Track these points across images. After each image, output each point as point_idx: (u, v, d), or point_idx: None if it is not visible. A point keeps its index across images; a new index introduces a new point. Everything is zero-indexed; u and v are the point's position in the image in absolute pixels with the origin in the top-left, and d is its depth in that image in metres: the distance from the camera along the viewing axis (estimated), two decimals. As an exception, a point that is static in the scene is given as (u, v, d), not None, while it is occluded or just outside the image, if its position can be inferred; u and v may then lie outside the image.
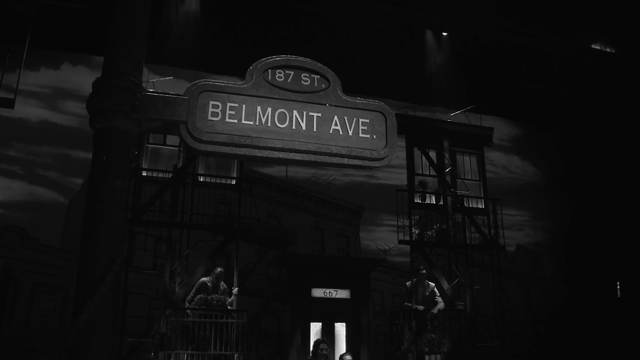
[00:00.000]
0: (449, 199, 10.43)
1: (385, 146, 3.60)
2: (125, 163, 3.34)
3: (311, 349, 8.22)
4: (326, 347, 8.00)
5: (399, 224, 9.76)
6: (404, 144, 10.49)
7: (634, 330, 10.06)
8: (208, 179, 9.31)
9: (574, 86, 12.62)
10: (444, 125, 11.13)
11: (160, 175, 9.16)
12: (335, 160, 3.54)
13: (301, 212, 11.91)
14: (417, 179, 10.32)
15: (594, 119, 13.01)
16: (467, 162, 10.87)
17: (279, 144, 3.42)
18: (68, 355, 2.87)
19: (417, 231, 10.00)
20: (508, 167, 14.21)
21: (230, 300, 8.74)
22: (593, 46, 11.85)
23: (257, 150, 3.42)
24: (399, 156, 10.92)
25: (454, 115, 11.38)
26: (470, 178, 10.72)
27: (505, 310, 11.56)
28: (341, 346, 9.19)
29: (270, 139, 3.41)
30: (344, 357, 7.86)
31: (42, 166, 10.45)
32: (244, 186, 9.42)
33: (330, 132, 3.53)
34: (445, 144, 10.80)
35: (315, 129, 3.50)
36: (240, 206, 9.17)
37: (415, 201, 10.12)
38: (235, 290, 8.78)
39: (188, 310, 8.60)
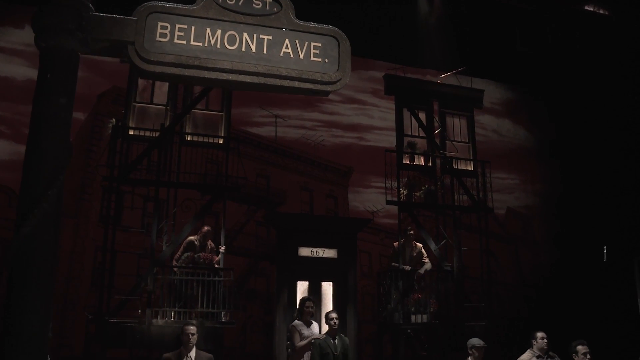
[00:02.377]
0: (438, 160, 10.41)
1: (338, 70, 3.53)
2: (70, 82, 3.27)
3: (297, 307, 8.25)
4: (312, 305, 8.03)
5: (387, 185, 9.74)
6: (393, 105, 10.41)
7: (620, 293, 10.14)
8: (196, 138, 9.23)
9: (566, 50, 12.52)
10: (434, 87, 11.03)
11: (148, 134, 9.06)
12: (285, 83, 3.48)
13: (290, 172, 11.91)
14: (406, 140, 10.25)
15: (586, 83, 12.93)
16: (456, 124, 10.80)
17: (227, 65, 3.36)
18: (9, 269, 2.86)
19: (405, 192, 9.99)
20: (499, 130, 14.20)
21: (217, 258, 8.77)
22: (586, 7, 11.72)
23: (205, 71, 3.37)
24: (388, 118, 10.89)
25: (445, 77, 11.28)
26: (459, 140, 10.65)
27: (493, 273, 11.65)
28: (328, 305, 9.25)
29: (219, 60, 3.35)
30: (329, 314, 7.88)
31: (28, 125, 10.34)
32: (231, 145, 9.36)
33: (281, 54, 3.47)
34: (435, 105, 10.72)
35: (265, 52, 3.45)
36: (228, 165, 9.13)
37: (404, 162, 10.07)
38: (222, 248, 8.80)
39: (175, 269, 8.64)
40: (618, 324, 9.26)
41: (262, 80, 3.46)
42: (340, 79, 3.59)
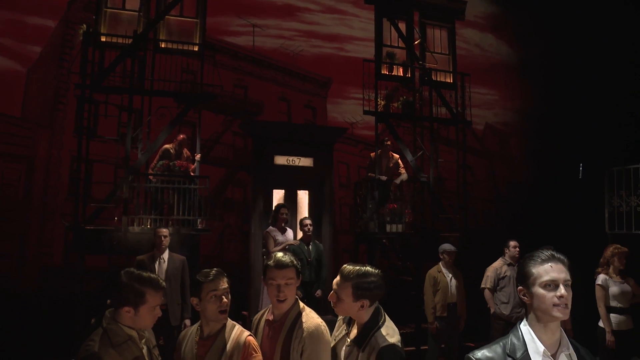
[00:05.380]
0: (417, 72, 10.29)
1: None
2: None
3: (272, 213, 8.33)
4: (287, 212, 8.12)
5: (365, 96, 9.65)
6: (374, 15, 10.17)
7: (590, 206, 10.30)
8: (170, 45, 9.00)
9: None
10: (415, -4, 10.75)
11: (120, 41, 8.82)
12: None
13: (268, 82, 11.76)
14: (385, 50, 10.06)
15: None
16: (437, 36, 10.59)
17: None
18: None
19: (383, 103, 9.92)
20: (481, 45, 14.02)
21: (193, 167, 8.75)
22: None
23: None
24: (369, 28, 10.65)
25: (427, -13, 10.97)
26: (439, 52, 10.49)
27: (469, 185, 11.78)
28: (303, 213, 9.33)
29: None
30: (303, 220, 7.99)
31: (-4, 33, 10.06)
32: (207, 54, 9.16)
33: None
34: (416, 16, 10.48)
35: None
36: (204, 74, 8.97)
37: (383, 73, 9.93)
38: (198, 156, 8.77)
39: (151, 177, 8.62)
40: (587, 234, 9.46)
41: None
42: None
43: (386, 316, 3.10)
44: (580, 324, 6.04)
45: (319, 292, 7.83)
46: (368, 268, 3.07)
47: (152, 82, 8.89)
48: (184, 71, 9.76)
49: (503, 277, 7.58)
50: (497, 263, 7.75)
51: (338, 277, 3.08)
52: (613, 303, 6.51)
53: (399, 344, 2.97)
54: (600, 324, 6.56)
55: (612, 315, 6.49)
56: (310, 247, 7.83)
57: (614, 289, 6.52)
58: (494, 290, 7.63)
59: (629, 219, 8.69)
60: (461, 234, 9.84)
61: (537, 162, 13.42)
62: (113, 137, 8.87)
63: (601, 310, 6.52)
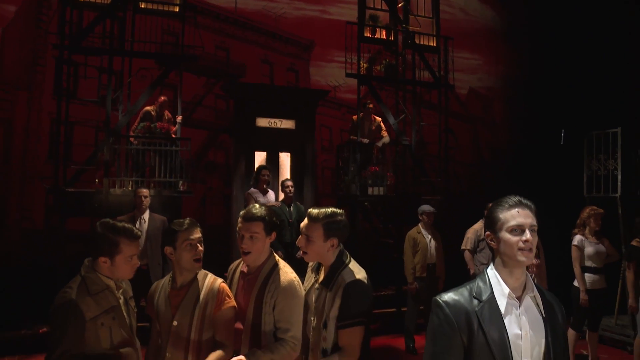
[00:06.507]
0: (400, 35, 10.23)
1: None
2: None
3: (254, 175, 8.32)
4: (268, 174, 8.11)
5: (348, 59, 9.60)
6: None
7: (570, 171, 10.39)
8: (150, 6, 8.85)
9: None
10: (399, -43, 10.63)
11: (99, 0, 8.67)
12: None
13: (250, 45, 11.64)
14: (368, 12, 9.98)
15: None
16: (421, -1, 10.53)
17: None
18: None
19: (365, 66, 9.88)
20: (466, 9, 13.94)
21: (175, 128, 8.71)
22: None
23: None
24: (353, -9, 10.52)
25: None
26: (423, 15, 10.42)
27: (452, 150, 11.85)
28: (285, 175, 9.33)
29: None
30: (285, 182, 8.01)
31: None
32: (188, 14, 9.04)
33: None
34: (400, -22, 10.39)
35: None
36: (185, 35, 8.87)
37: (365, 35, 9.87)
38: (179, 118, 8.72)
39: (132, 139, 8.57)
40: (566, 198, 9.57)
41: None
42: None
43: (350, 257, 3.19)
44: (556, 283, 6.15)
45: (299, 254, 7.88)
46: (333, 209, 3.16)
47: (132, 43, 8.79)
48: (165, 33, 9.64)
49: (483, 239, 7.66)
50: (478, 225, 7.83)
51: (306, 221, 3.15)
52: (588, 263, 6.62)
53: (365, 280, 3.06)
54: (575, 283, 6.69)
55: (586, 274, 6.61)
56: (291, 208, 7.86)
57: (589, 250, 6.63)
58: (474, 251, 7.73)
59: (606, 182, 8.80)
60: (443, 197, 9.91)
61: (520, 127, 13.47)
62: (93, 99, 8.79)
63: (576, 269, 6.64)
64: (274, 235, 3.24)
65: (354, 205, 9.58)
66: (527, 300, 2.19)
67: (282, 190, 8.01)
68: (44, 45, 10.24)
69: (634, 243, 6.68)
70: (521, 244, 2.13)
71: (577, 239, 6.71)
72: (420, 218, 7.83)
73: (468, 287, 2.23)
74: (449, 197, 10.14)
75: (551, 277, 6.66)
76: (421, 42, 10.30)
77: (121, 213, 7.19)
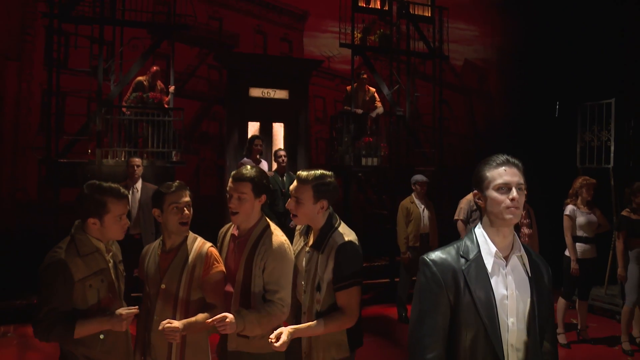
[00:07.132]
0: (395, 5, 10.13)
1: None
2: None
3: (246, 145, 8.30)
4: (261, 143, 8.09)
5: (342, 29, 9.52)
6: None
7: (563, 145, 10.39)
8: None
9: None
10: None
11: (89, -32, 8.55)
12: None
13: (244, 15, 11.50)
14: (363, -18, 9.87)
15: None
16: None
17: None
18: None
19: (359, 36, 9.80)
20: (461, -21, 13.76)
21: (167, 99, 8.65)
22: None
23: None
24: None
25: None
26: (418, -16, 10.31)
27: (446, 121, 11.82)
28: (278, 145, 9.31)
29: None
30: (278, 152, 8.00)
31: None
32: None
33: None
34: (395, -54, 10.26)
35: None
36: (177, 4, 8.77)
37: (360, 5, 9.77)
38: (171, 88, 8.66)
39: (124, 109, 8.52)
40: (559, 169, 9.60)
41: None
42: None
43: (340, 219, 3.20)
44: (548, 252, 6.19)
45: (292, 223, 7.89)
46: (323, 170, 3.15)
47: (123, 12, 8.68)
48: (157, 2, 9.53)
49: (476, 210, 7.67)
50: (471, 195, 7.80)
51: (295, 184, 3.13)
52: (579, 233, 6.66)
53: (356, 242, 3.08)
54: (566, 252, 6.74)
55: (577, 244, 6.66)
56: (284, 178, 7.84)
57: (580, 219, 6.66)
58: (466, 222, 7.73)
59: (599, 153, 8.81)
60: (436, 168, 9.91)
61: (515, 99, 13.42)
62: (85, 69, 8.71)
63: (568, 239, 6.68)
64: (263, 197, 3.21)
65: (347, 176, 9.58)
66: (514, 259, 2.19)
67: (275, 160, 8.00)
68: (32, 13, 10.09)
69: (623, 213, 6.71)
70: (508, 202, 2.12)
71: (569, 208, 6.74)
72: (413, 188, 7.84)
73: (455, 245, 2.23)
74: (442, 168, 10.15)
75: (543, 246, 6.69)
76: (416, 12, 10.21)
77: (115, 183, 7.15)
